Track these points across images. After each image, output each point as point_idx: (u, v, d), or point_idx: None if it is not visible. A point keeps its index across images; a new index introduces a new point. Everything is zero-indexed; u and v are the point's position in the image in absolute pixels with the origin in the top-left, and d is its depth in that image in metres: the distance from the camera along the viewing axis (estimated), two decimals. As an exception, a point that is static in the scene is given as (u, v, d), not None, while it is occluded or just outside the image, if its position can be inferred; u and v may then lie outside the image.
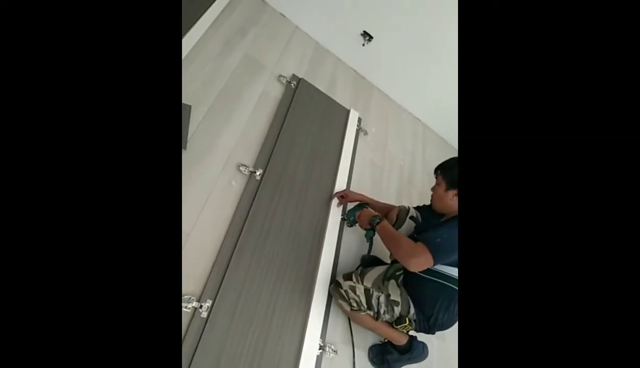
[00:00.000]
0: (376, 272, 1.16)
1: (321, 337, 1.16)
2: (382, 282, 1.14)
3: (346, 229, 1.47)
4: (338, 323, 1.27)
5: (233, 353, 1.00)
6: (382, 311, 1.12)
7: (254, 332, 1.06)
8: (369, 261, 1.43)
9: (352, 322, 1.28)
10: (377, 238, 1.19)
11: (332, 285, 1.23)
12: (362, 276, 1.15)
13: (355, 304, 1.13)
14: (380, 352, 1.27)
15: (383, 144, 1.98)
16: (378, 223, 1.14)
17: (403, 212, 1.30)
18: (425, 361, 1.25)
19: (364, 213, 1.24)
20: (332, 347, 1.18)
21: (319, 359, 1.14)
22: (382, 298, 1.12)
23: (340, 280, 1.17)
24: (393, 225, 1.26)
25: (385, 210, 1.35)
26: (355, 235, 1.50)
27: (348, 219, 1.35)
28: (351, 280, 1.15)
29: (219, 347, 0.99)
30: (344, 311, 1.22)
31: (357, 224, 1.32)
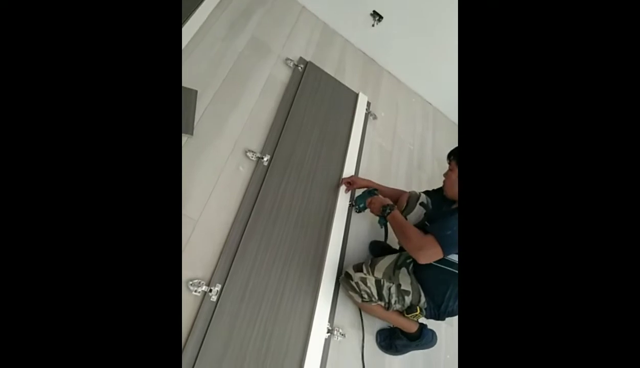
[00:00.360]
0: (386, 261, 1.16)
1: (329, 321, 1.18)
2: (392, 272, 1.13)
3: (354, 215, 1.46)
4: (346, 307, 1.27)
5: (242, 336, 1.02)
6: (393, 301, 1.12)
7: (263, 316, 1.07)
8: (377, 248, 1.43)
9: (362, 311, 1.29)
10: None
11: (342, 276, 1.23)
12: (372, 267, 1.14)
13: (366, 296, 1.13)
14: (389, 337, 1.28)
15: (392, 128, 1.94)
16: (389, 212, 1.13)
17: (413, 197, 1.28)
18: (434, 347, 1.25)
19: (376, 201, 1.22)
20: (340, 330, 1.20)
21: (327, 342, 1.15)
22: (393, 289, 1.11)
23: (351, 271, 1.17)
24: (402, 211, 1.24)
25: (394, 196, 1.33)
26: (364, 221, 1.49)
27: (357, 205, 1.33)
28: (362, 271, 1.14)
29: (229, 329, 1.01)
30: (354, 302, 1.23)
31: (366, 210, 1.31)
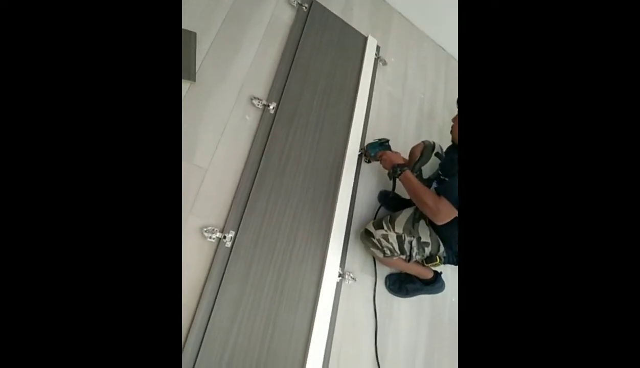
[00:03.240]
0: (405, 215, 1.15)
1: (340, 266, 1.21)
2: (412, 226, 1.13)
3: (364, 164, 1.44)
4: (356, 253, 1.30)
5: (258, 280, 1.05)
6: (414, 254, 1.13)
7: (277, 261, 1.10)
8: (387, 197, 1.42)
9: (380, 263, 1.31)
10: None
11: (362, 233, 1.23)
12: (392, 222, 1.14)
13: (388, 252, 1.14)
14: (399, 280, 1.33)
15: (403, 75, 1.84)
16: (400, 174, 1.09)
17: (428, 148, 1.23)
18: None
19: (387, 157, 1.18)
20: (351, 274, 1.23)
21: (338, 286, 1.19)
22: (414, 242, 1.12)
23: (372, 229, 1.17)
24: (417, 162, 1.21)
25: (411, 158, 1.27)
26: (373, 171, 1.47)
27: (368, 153, 1.29)
28: (383, 228, 1.14)
29: (244, 274, 1.04)
30: (376, 257, 1.24)
31: (376, 161, 1.28)
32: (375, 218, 1.35)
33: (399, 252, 1.14)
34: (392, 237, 1.13)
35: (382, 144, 1.28)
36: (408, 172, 1.09)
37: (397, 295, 1.33)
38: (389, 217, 1.18)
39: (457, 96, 1.12)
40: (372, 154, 1.28)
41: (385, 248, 1.15)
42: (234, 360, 0.96)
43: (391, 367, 1.24)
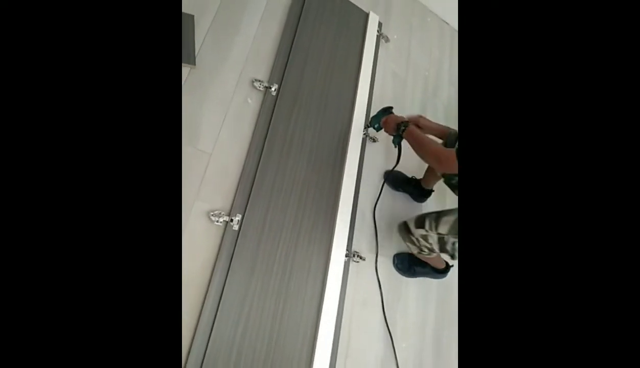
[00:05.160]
0: (453, 215, 1.05)
1: (348, 245, 1.21)
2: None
3: (369, 145, 1.43)
4: (363, 232, 1.31)
5: (267, 260, 1.07)
6: (456, 254, 1.09)
7: (284, 241, 1.11)
8: (392, 177, 1.41)
9: (378, 234, 1.32)
10: (407, 155, 1.13)
11: (399, 225, 1.20)
12: (437, 221, 1.06)
13: (426, 250, 1.13)
14: (407, 260, 1.33)
15: (406, 52, 1.80)
16: (404, 130, 1.07)
17: (453, 135, 1.16)
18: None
19: (390, 119, 1.16)
20: (359, 254, 1.24)
21: (346, 265, 1.20)
22: (457, 243, 1.07)
23: (412, 226, 1.12)
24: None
25: (439, 131, 1.20)
26: (378, 150, 1.46)
27: (372, 126, 1.28)
28: (424, 228, 1.08)
29: (253, 255, 1.05)
30: (411, 250, 1.22)
31: (380, 130, 1.24)
32: (378, 198, 1.35)
33: (438, 252, 1.12)
34: (433, 238, 1.09)
35: (386, 111, 1.22)
36: (413, 127, 1.04)
37: (404, 275, 1.34)
38: (434, 215, 1.09)
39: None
40: (376, 125, 1.23)
41: (423, 247, 1.13)
42: (247, 334, 0.98)
43: (402, 340, 1.27)
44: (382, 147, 1.47)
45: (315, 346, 1.06)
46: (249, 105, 1.22)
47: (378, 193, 1.37)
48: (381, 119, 1.20)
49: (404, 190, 1.46)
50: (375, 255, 1.31)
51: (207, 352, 0.92)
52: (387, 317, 1.25)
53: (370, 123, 1.29)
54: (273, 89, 1.25)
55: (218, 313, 0.96)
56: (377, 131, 1.28)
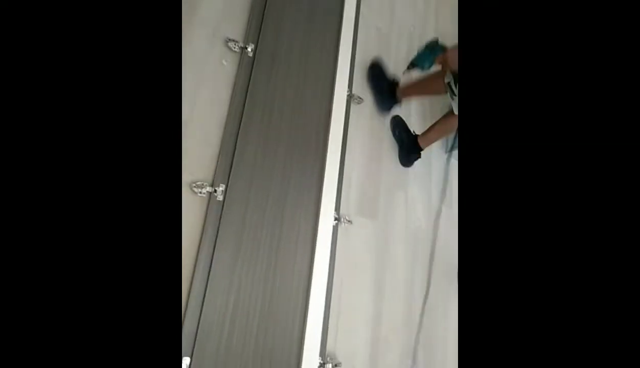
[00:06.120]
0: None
1: (335, 210, 1.20)
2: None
3: (354, 106, 1.38)
4: (351, 196, 1.30)
5: (254, 230, 1.05)
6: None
7: (271, 208, 1.09)
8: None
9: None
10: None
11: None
12: None
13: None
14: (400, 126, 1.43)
15: (390, 6, 1.70)
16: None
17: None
18: None
19: (451, 56, 1.05)
20: (347, 217, 1.24)
21: (335, 229, 1.20)
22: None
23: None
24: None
25: None
26: (363, 111, 1.42)
27: (421, 66, 1.15)
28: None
29: (240, 225, 1.03)
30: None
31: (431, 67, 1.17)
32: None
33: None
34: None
35: (433, 49, 1.12)
36: None
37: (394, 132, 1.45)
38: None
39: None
40: (428, 66, 1.13)
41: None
42: (239, 304, 0.98)
43: (392, 299, 1.31)
44: (368, 107, 1.43)
45: (308, 310, 1.07)
46: (224, 68, 1.14)
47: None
48: (433, 59, 1.10)
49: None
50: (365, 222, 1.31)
51: (200, 325, 0.92)
52: (377, 278, 1.28)
53: (415, 63, 1.16)
54: (249, 50, 1.17)
55: (208, 286, 0.95)
56: (425, 70, 1.18)
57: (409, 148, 1.44)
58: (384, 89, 1.44)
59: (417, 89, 1.41)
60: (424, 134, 1.41)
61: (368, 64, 1.47)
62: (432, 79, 1.33)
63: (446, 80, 1.18)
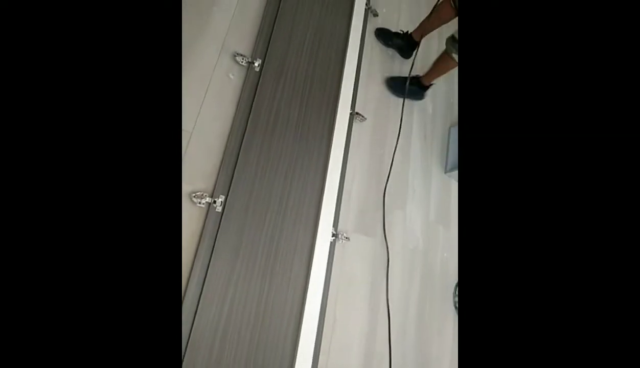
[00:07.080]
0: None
1: (334, 226, 1.21)
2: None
3: (356, 124, 1.40)
4: (350, 212, 1.30)
5: (252, 242, 1.05)
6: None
7: (270, 222, 1.10)
8: (382, 32, 1.59)
9: None
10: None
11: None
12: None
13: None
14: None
15: (395, 26, 1.73)
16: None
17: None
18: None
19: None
20: (345, 234, 1.24)
21: (332, 245, 1.20)
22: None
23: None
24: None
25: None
26: (366, 128, 1.44)
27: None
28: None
29: (237, 237, 1.04)
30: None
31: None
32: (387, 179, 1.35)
33: None
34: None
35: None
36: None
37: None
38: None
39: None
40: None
41: None
42: (232, 316, 0.98)
43: (386, 316, 1.30)
44: (369, 126, 1.45)
45: (301, 324, 1.07)
46: (231, 82, 1.16)
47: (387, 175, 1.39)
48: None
49: (394, 44, 1.60)
50: (362, 242, 1.31)
51: (191, 336, 0.91)
52: (372, 295, 1.28)
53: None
54: (256, 64, 1.19)
55: (202, 296, 0.95)
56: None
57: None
58: (402, 44, 1.60)
59: (430, 22, 1.48)
60: (426, 74, 1.55)
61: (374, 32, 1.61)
62: (440, 7, 1.39)
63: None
